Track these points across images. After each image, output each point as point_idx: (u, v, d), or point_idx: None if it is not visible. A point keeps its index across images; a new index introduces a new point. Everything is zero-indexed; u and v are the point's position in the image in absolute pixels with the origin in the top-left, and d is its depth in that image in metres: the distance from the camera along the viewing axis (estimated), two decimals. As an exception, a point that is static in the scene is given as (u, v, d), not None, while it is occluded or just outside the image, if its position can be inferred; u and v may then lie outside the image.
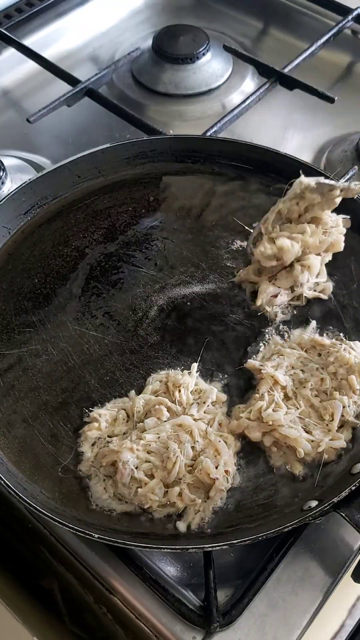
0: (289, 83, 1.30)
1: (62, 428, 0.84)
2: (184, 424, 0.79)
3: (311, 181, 0.88)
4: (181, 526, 0.75)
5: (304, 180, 0.87)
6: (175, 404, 0.82)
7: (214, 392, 0.85)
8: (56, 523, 0.72)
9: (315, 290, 0.95)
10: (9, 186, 1.16)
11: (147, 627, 0.74)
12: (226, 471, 0.77)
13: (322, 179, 0.87)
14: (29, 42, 1.45)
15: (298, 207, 0.89)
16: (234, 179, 1.11)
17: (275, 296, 0.94)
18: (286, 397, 0.83)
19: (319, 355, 0.87)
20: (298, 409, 0.81)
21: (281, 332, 0.92)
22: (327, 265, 0.95)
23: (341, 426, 0.81)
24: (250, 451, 0.82)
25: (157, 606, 0.75)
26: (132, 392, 0.86)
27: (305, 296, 0.94)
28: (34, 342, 0.92)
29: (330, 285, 0.96)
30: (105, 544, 0.74)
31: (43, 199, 1.07)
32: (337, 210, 1.01)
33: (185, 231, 1.05)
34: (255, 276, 0.95)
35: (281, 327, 0.93)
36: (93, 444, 0.82)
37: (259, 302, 0.94)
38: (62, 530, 0.78)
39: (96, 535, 0.71)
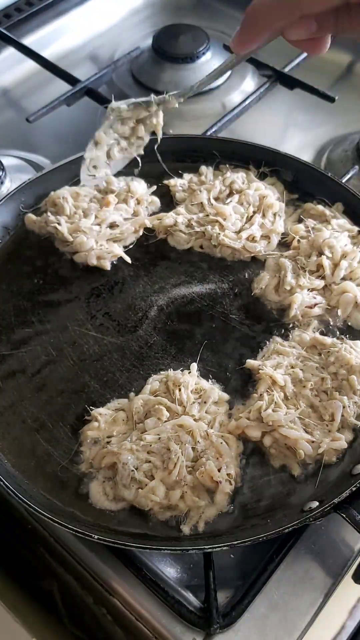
0: (289, 82, 1.30)
1: (62, 429, 0.84)
2: (185, 424, 0.79)
3: (121, 104, 0.93)
4: (185, 529, 0.75)
5: (114, 104, 0.92)
6: (175, 403, 0.82)
7: (216, 391, 0.85)
8: (55, 524, 0.72)
9: None
10: (9, 186, 1.15)
11: (147, 628, 0.74)
12: (228, 474, 0.77)
13: (132, 100, 0.92)
14: (28, 41, 1.45)
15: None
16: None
17: (312, 307, 0.91)
18: (286, 397, 0.83)
19: (319, 354, 0.87)
20: (298, 409, 0.81)
21: (281, 331, 0.92)
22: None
23: (341, 427, 0.81)
24: (250, 452, 0.81)
25: (157, 607, 0.74)
26: (132, 394, 0.86)
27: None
28: (33, 342, 0.92)
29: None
30: (105, 545, 0.73)
31: (42, 198, 1.06)
32: (330, 198, 1.03)
33: (185, 231, 1.04)
34: (276, 294, 0.95)
35: (281, 326, 0.93)
36: (92, 445, 0.81)
37: (292, 314, 0.91)
38: (62, 531, 0.78)
39: (96, 537, 0.71)
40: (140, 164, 1.03)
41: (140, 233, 1.03)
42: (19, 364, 0.90)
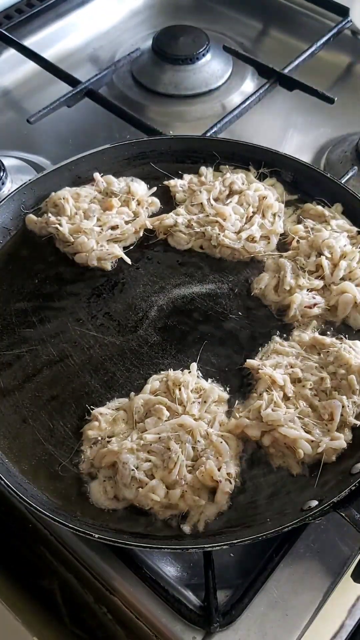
0: (289, 84, 1.30)
1: (62, 428, 0.84)
2: (185, 423, 0.79)
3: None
4: (186, 528, 0.75)
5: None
6: (175, 402, 0.82)
7: (215, 391, 0.85)
8: (56, 523, 0.72)
9: None
10: (9, 186, 1.16)
11: (147, 627, 0.74)
12: (228, 473, 0.77)
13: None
14: (29, 42, 1.45)
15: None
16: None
17: (311, 307, 0.91)
18: (285, 397, 0.83)
19: (319, 354, 0.87)
20: (297, 408, 0.81)
21: (281, 331, 0.92)
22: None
23: (341, 426, 0.81)
24: (250, 451, 0.82)
25: (157, 606, 0.75)
26: (133, 393, 0.86)
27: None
28: (34, 342, 0.93)
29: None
30: (105, 544, 0.74)
31: (43, 199, 1.07)
32: (329, 199, 1.03)
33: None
34: (275, 294, 0.95)
35: (281, 326, 0.93)
36: (93, 444, 0.82)
37: (291, 314, 0.92)
38: (62, 530, 0.78)
39: (96, 535, 0.71)
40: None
41: (141, 234, 1.04)
42: (19, 364, 0.90)
